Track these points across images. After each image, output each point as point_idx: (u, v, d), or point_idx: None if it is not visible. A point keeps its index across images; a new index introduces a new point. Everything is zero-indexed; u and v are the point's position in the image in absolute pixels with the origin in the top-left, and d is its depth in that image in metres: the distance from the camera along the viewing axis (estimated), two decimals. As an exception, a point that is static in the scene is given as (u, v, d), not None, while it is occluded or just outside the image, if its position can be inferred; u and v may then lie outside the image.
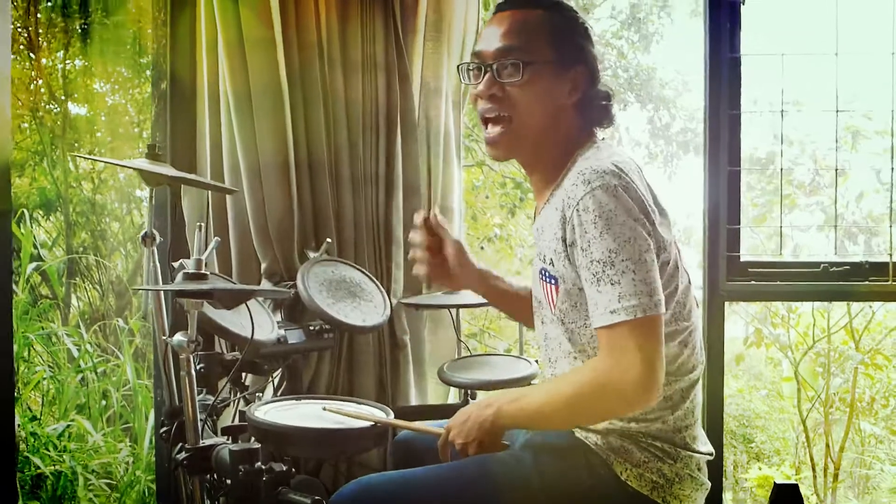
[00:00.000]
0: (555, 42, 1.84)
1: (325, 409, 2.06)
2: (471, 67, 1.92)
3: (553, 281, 1.80)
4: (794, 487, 2.60)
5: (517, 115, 1.85)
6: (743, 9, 2.97)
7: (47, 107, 5.55)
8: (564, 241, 1.73)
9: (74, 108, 5.71)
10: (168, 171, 2.21)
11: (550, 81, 1.84)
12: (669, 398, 1.79)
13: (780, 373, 6.49)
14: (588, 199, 1.65)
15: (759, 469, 5.41)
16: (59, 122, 5.54)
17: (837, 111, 3.02)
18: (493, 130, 1.88)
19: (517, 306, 2.21)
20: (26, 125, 5.42)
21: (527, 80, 1.82)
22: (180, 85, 2.93)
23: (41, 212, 5.53)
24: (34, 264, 4.54)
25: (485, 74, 1.86)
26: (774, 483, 2.60)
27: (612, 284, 1.63)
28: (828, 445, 5.58)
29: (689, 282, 1.87)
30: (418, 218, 2.11)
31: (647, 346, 1.61)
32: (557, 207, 1.75)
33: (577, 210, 1.67)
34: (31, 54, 5.35)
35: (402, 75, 2.90)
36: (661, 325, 1.65)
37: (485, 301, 2.70)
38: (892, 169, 3.06)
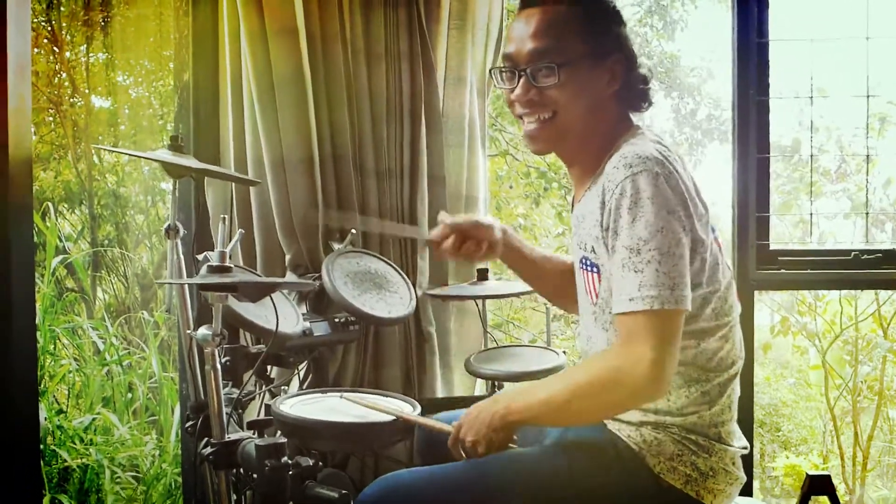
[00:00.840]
0: (587, 35, 1.80)
1: (342, 396, 2.05)
2: (503, 70, 1.88)
3: (595, 269, 1.78)
4: (827, 478, 2.58)
5: (558, 114, 1.82)
6: (770, -7, 2.94)
7: (71, 100, 5.58)
8: (601, 225, 1.71)
9: (98, 101, 5.74)
10: (191, 162, 2.20)
11: (588, 76, 1.81)
12: (707, 393, 1.77)
13: (807, 361, 6.44)
14: (627, 182, 1.63)
15: (787, 458, 5.39)
16: (82, 116, 5.57)
17: (868, 96, 2.98)
18: (533, 126, 1.86)
19: (534, 273, 2.20)
20: (50, 119, 5.45)
21: (564, 80, 1.79)
22: (203, 76, 2.93)
23: (66, 205, 5.56)
24: (59, 257, 4.55)
25: (519, 79, 1.83)
26: (807, 475, 2.58)
27: (635, 272, 1.61)
28: (856, 434, 5.54)
29: (732, 277, 1.84)
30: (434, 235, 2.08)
31: (660, 339, 1.59)
32: (598, 193, 1.73)
33: (615, 193, 1.65)
34: (55, 48, 5.37)
35: (427, 65, 2.88)
36: (679, 321, 1.62)
37: (510, 292, 2.69)
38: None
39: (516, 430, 1.78)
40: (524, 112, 1.86)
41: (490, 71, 1.98)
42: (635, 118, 1.92)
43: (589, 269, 1.81)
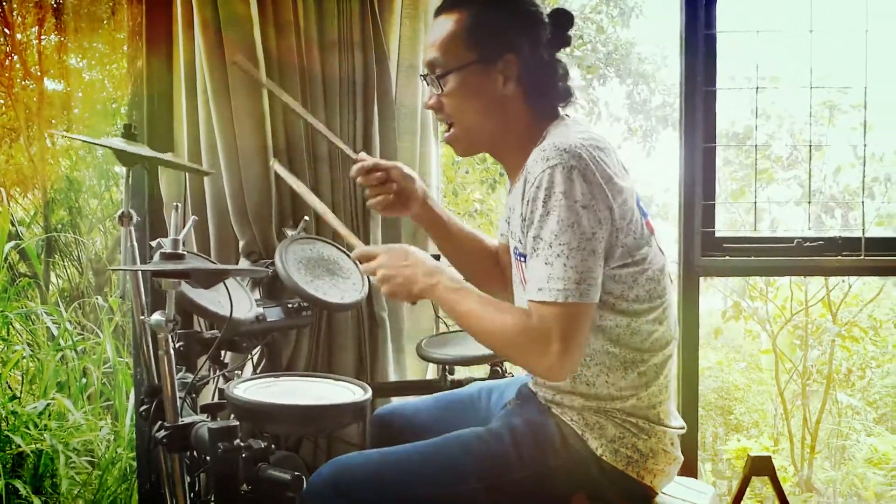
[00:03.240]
0: (471, 43, 1.84)
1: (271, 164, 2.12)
2: (422, 79, 1.97)
3: (524, 258, 1.81)
4: (767, 459, 2.65)
5: (455, 120, 1.90)
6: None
7: (22, 83, 5.51)
8: (523, 216, 1.74)
9: (50, 84, 5.67)
10: (144, 151, 2.21)
11: (477, 82, 1.85)
12: (644, 374, 1.82)
13: (758, 345, 6.56)
14: (544, 175, 1.66)
15: (738, 441, 5.48)
16: (34, 99, 5.51)
17: (812, 87, 3.05)
18: (448, 133, 1.94)
19: (452, 243, 2.24)
20: (1, 101, 5.39)
21: (450, 89, 1.86)
22: (157, 64, 2.92)
23: (18, 189, 5.50)
24: (12, 242, 4.52)
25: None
26: (749, 455, 2.65)
27: (545, 264, 1.65)
28: (805, 417, 5.66)
29: (665, 259, 1.88)
30: (356, 167, 2.14)
31: (565, 330, 1.64)
32: (522, 185, 1.76)
33: (533, 186, 1.68)
34: (6, 30, 5.30)
35: (379, 53, 2.90)
36: (585, 313, 1.67)
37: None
38: (865, 145, 3.10)
39: (426, 299, 1.85)
40: (438, 118, 1.98)
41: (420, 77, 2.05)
42: (565, 110, 1.95)
43: (519, 258, 1.84)
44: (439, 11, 1.90)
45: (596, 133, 1.81)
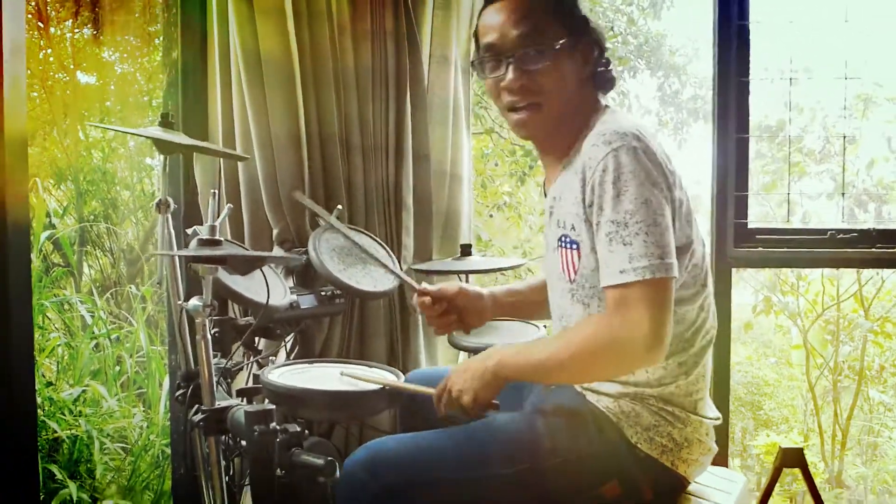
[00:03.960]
0: (563, 19, 1.84)
1: (342, 373, 2.10)
2: (486, 60, 1.89)
3: (575, 246, 1.81)
4: (799, 451, 2.63)
5: (546, 99, 1.85)
6: (752, -25, 2.98)
7: (57, 76, 5.56)
8: (584, 202, 1.74)
9: (84, 78, 5.72)
10: (181, 139, 2.24)
11: (569, 59, 1.84)
12: (684, 363, 1.82)
13: (789, 340, 6.52)
14: (609, 159, 1.66)
15: (767, 436, 5.45)
16: (68, 92, 5.56)
17: (847, 78, 3.03)
18: (522, 115, 1.88)
19: (528, 309, 2.28)
20: (36, 94, 5.44)
21: (551, 64, 1.82)
22: (191, 54, 2.94)
23: (52, 181, 5.55)
24: (47, 233, 4.57)
25: (507, 67, 1.85)
26: (780, 447, 2.64)
27: (624, 245, 1.64)
28: (836, 413, 5.61)
29: (705, 247, 1.89)
30: (415, 301, 2.15)
31: (655, 307, 1.62)
32: (577, 171, 1.76)
33: (597, 170, 1.68)
34: (40, 23, 5.35)
35: (412, 44, 2.91)
36: (671, 289, 1.66)
37: (494, 267, 2.74)
38: (902, 137, 3.08)
39: (503, 386, 1.81)
40: (513, 99, 1.87)
41: (472, 63, 2.00)
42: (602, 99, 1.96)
43: (568, 246, 1.83)
44: None
45: (640, 121, 1.82)
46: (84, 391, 3.79)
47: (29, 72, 5.09)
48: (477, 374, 1.80)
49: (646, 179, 1.65)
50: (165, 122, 2.25)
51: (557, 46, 1.81)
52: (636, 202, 1.64)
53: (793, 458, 2.64)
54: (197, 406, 2.05)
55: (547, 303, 2.10)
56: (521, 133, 1.93)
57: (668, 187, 1.70)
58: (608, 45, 1.95)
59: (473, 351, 2.62)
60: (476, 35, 1.95)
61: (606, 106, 1.92)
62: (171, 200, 2.22)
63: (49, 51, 5.48)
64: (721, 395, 2.93)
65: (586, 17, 1.88)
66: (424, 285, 2.17)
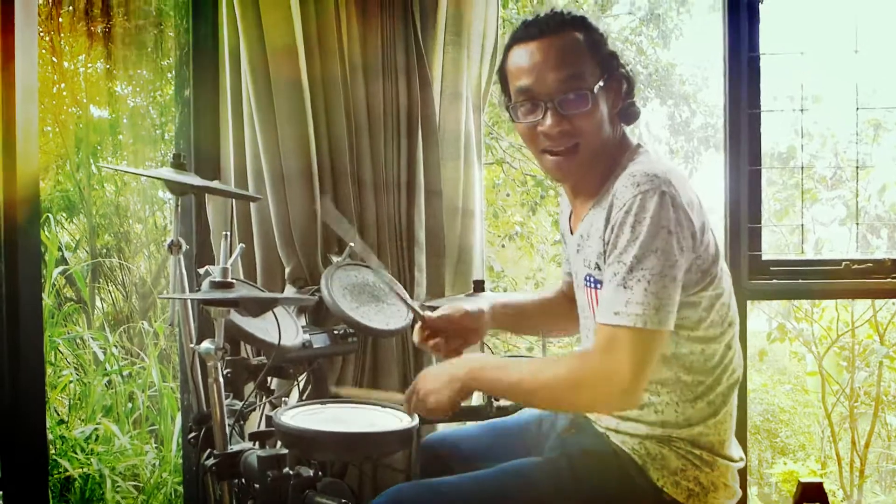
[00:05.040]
0: (597, 59, 1.82)
1: (335, 394, 2.11)
2: (522, 104, 1.87)
3: (598, 285, 1.81)
4: (819, 486, 2.61)
5: (585, 141, 1.83)
6: (761, 7, 2.97)
7: (70, 110, 5.60)
8: (604, 240, 1.74)
9: (97, 112, 5.76)
10: (193, 180, 2.23)
11: (604, 98, 1.83)
12: (712, 402, 1.81)
13: (804, 367, 6.47)
14: (636, 200, 1.66)
15: (784, 464, 5.42)
16: (81, 126, 5.59)
17: (858, 108, 3.03)
18: (560, 159, 1.86)
19: (526, 325, 2.30)
20: (49, 129, 5.47)
21: (593, 106, 1.80)
22: (203, 91, 2.96)
23: (65, 214, 5.58)
24: (60, 268, 4.58)
25: (546, 111, 1.82)
26: (799, 482, 2.61)
27: (624, 288, 1.64)
28: (853, 440, 5.56)
29: (731, 284, 1.88)
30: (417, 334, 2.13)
31: (639, 356, 1.62)
32: (604, 210, 1.76)
33: (622, 211, 1.67)
34: (54, 58, 5.39)
35: (423, 80, 2.92)
36: (659, 341, 1.65)
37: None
38: (912, 166, 3.07)
39: (470, 395, 1.84)
40: (551, 144, 1.85)
41: (508, 107, 1.96)
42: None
43: (593, 286, 1.84)
44: (542, 34, 1.83)
45: (673, 164, 1.82)
46: (96, 429, 3.78)
47: (42, 106, 5.13)
48: (446, 381, 1.81)
49: (664, 227, 1.64)
50: (177, 163, 2.25)
51: (596, 89, 1.80)
52: (646, 249, 1.63)
53: (812, 493, 2.61)
54: (209, 450, 2.03)
55: (546, 319, 2.19)
56: (557, 175, 1.92)
57: (692, 235, 1.69)
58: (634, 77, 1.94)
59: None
60: (504, 75, 1.93)
61: (639, 146, 1.90)
62: (182, 241, 2.21)
63: (62, 85, 5.52)
64: (740, 431, 2.90)
65: (615, 53, 1.86)
66: (427, 313, 2.14)
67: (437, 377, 1.83)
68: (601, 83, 1.81)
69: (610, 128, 1.86)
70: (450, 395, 1.80)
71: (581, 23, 1.84)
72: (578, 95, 1.79)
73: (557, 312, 2.23)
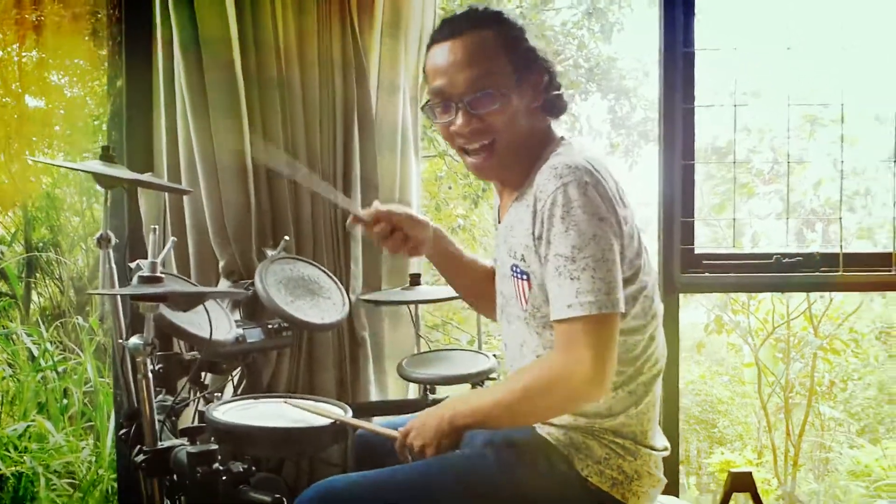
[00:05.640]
0: (511, 55, 1.84)
1: (286, 402, 2.08)
2: (436, 105, 1.89)
3: (525, 276, 1.82)
4: (748, 475, 2.66)
5: (499, 137, 1.85)
6: (697, 3, 3.01)
7: (2, 100, 5.49)
8: (533, 234, 1.76)
9: (32, 102, 5.65)
10: (123, 173, 2.21)
11: (518, 94, 1.84)
12: (634, 392, 1.83)
13: (741, 359, 6.58)
14: (559, 193, 1.68)
15: (722, 454, 5.50)
16: (15, 116, 5.48)
17: (790, 104, 3.08)
18: (479, 158, 1.89)
19: (462, 276, 2.28)
20: (-18, 119, 5.37)
21: (503, 104, 1.82)
22: (136, 84, 2.91)
23: (-1, 207, 5.47)
24: (-7, 262, 4.50)
25: (458, 112, 1.84)
26: (729, 472, 2.66)
27: (571, 279, 1.66)
28: (788, 430, 5.67)
29: (656, 277, 1.91)
30: (365, 214, 2.10)
31: (599, 343, 1.65)
32: (528, 203, 1.77)
33: (547, 203, 1.69)
34: (-14, 47, 5.28)
35: (360, 72, 2.90)
36: (616, 324, 1.69)
37: (443, 297, 2.73)
38: (842, 161, 3.13)
39: (462, 435, 1.82)
40: (465, 143, 1.88)
41: (422, 108, 1.99)
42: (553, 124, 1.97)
43: (519, 276, 1.84)
44: (454, 33, 1.85)
45: (595, 152, 1.84)
46: (29, 426, 3.71)
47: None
48: (434, 427, 1.79)
49: (594, 215, 1.67)
50: (107, 156, 2.22)
51: (506, 86, 1.82)
52: (584, 237, 1.66)
53: (741, 483, 2.66)
54: (139, 446, 2.01)
55: (479, 282, 2.22)
56: (478, 174, 1.97)
57: (618, 222, 1.72)
58: (558, 70, 1.95)
59: (423, 382, 2.61)
60: (425, 74, 1.95)
61: (562, 137, 1.92)
62: (112, 235, 2.19)
63: (-5, 74, 5.41)
64: (671, 422, 2.95)
65: (534, 48, 1.87)
66: (367, 210, 2.11)
67: (427, 430, 1.81)
68: (515, 80, 1.83)
69: (528, 122, 1.88)
70: (445, 442, 1.79)
71: (494, 19, 1.86)
72: (486, 94, 1.82)
73: (487, 281, 2.20)
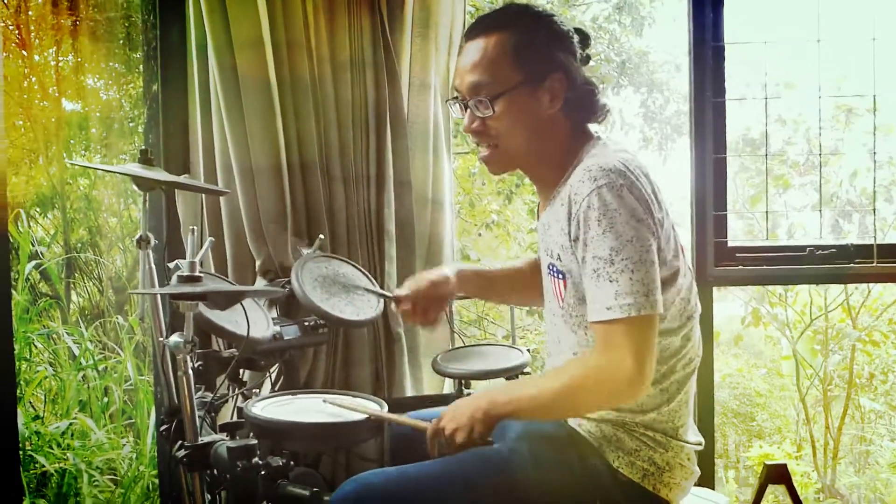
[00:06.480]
0: (520, 62, 1.86)
1: (324, 400, 2.11)
2: (453, 103, 1.96)
3: (561, 276, 1.84)
4: (783, 467, 2.65)
5: (501, 141, 1.90)
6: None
7: (40, 104, 5.55)
8: (569, 235, 1.77)
9: (68, 105, 5.72)
10: (161, 175, 2.24)
11: (526, 102, 1.87)
12: (666, 390, 1.84)
13: (779, 351, 6.53)
14: (594, 196, 1.69)
15: (760, 447, 5.46)
16: (52, 119, 5.55)
17: (820, 96, 3.06)
18: (485, 153, 1.95)
19: (493, 291, 2.35)
20: (20, 123, 5.43)
21: (500, 111, 1.86)
22: (171, 87, 2.96)
23: (38, 209, 5.54)
24: (33, 263, 4.56)
25: (466, 110, 1.91)
26: (764, 464, 2.65)
27: (610, 282, 1.67)
28: (827, 422, 5.63)
29: (692, 279, 1.91)
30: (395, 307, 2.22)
31: (639, 344, 1.66)
32: (564, 203, 1.79)
33: (583, 206, 1.71)
34: (23, 52, 5.35)
35: (391, 72, 2.93)
36: (655, 325, 1.69)
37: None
38: (875, 152, 3.11)
39: (496, 425, 1.83)
40: (473, 139, 1.94)
41: (446, 102, 2.04)
42: (594, 127, 1.97)
43: (556, 275, 1.86)
44: (474, 34, 1.90)
45: (631, 153, 1.84)
46: (72, 423, 3.77)
47: (12, 100, 5.09)
48: (469, 413, 1.81)
49: (630, 217, 1.68)
50: (145, 159, 2.25)
51: (505, 95, 1.85)
52: (621, 239, 1.67)
53: (777, 475, 2.66)
54: (180, 442, 2.05)
55: (515, 289, 2.28)
56: (489, 170, 2.00)
57: (655, 223, 1.73)
58: (588, 75, 1.96)
59: (457, 377, 2.63)
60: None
61: (599, 137, 1.93)
62: (151, 236, 2.22)
63: (33, 79, 5.48)
64: (706, 417, 2.95)
65: (552, 54, 1.88)
66: (396, 292, 2.23)
67: (460, 414, 1.82)
68: (524, 87, 1.86)
69: (542, 126, 1.90)
70: (478, 428, 1.80)
71: (511, 22, 1.88)
72: (479, 101, 1.87)
73: (527, 282, 2.25)
